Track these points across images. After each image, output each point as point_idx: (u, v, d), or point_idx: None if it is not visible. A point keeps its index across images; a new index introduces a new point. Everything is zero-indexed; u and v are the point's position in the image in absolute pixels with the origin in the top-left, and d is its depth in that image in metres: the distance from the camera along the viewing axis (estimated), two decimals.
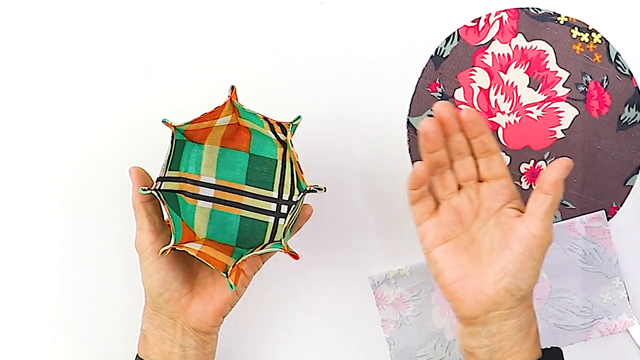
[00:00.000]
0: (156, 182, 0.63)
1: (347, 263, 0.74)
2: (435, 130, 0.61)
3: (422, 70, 0.75)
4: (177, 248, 0.63)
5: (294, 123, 0.63)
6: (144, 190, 0.62)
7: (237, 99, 0.63)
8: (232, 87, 0.63)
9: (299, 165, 0.63)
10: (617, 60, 0.75)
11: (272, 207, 0.68)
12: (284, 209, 0.68)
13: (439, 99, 0.75)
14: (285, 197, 0.68)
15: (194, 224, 0.68)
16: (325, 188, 0.62)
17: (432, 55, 0.75)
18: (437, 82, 0.75)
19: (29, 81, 0.75)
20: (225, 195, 0.68)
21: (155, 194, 0.63)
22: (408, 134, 0.75)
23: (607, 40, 0.75)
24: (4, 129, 0.74)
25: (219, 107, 0.63)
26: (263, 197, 0.68)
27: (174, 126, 0.63)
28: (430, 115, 0.75)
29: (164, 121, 0.63)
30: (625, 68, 0.75)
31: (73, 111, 0.75)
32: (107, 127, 0.74)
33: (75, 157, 0.74)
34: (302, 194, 0.63)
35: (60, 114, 0.75)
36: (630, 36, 0.75)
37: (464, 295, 0.62)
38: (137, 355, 0.66)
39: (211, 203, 0.68)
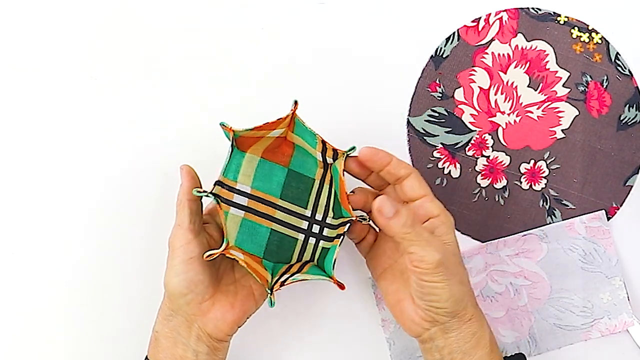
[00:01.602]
0: (214, 185, 0.63)
1: (347, 263, 0.74)
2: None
3: (422, 70, 0.75)
4: (226, 254, 0.62)
5: (348, 152, 0.64)
6: (200, 192, 0.62)
7: (296, 114, 0.64)
8: (295, 102, 0.63)
9: (347, 196, 0.64)
10: (617, 60, 0.75)
11: (304, 224, 0.68)
12: (315, 228, 0.68)
13: (439, 99, 0.75)
14: (319, 217, 0.68)
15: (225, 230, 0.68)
16: (368, 218, 0.65)
17: (432, 55, 0.75)
18: (437, 82, 0.75)
19: (29, 81, 0.75)
20: (259, 206, 0.68)
21: (212, 197, 0.62)
22: (408, 134, 0.75)
23: (607, 40, 0.75)
24: (4, 129, 0.74)
25: (281, 118, 0.63)
26: (296, 213, 0.68)
27: (234, 131, 0.63)
28: (430, 115, 0.75)
29: (221, 124, 0.62)
30: (625, 68, 0.75)
31: (73, 111, 0.74)
32: (107, 127, 0.74)
33: (77, 157, 0.74)
34: (348, 224, 0.65)
35: (60, 114, 0.74)
36: (630, 36, 0.75)
37: (402, 317, 0.65)
38: (146, 357, 0.66)
39: (243, 212, 0.67)
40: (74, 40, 0.75)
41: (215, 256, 0.62)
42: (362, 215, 0.64)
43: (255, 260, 0.67)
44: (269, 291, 0.63)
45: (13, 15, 0.75)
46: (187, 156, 0.69)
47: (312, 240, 0.68)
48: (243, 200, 0.67)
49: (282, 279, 0.64)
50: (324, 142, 0.64)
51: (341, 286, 0.64)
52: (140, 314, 0.69)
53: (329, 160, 0.66)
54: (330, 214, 0.68)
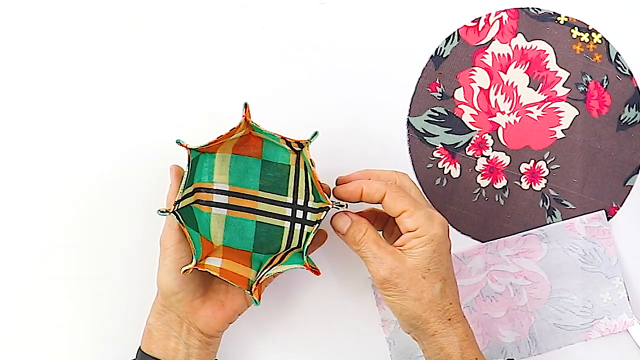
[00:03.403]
0: (174, 204, 0.63)
1: (347, 263, 0.74)
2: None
3: (422, 70, 0.75)
4: (199, 269, 0.63)
5: (310, 140, 0.63)
6: (162, 213, 0.61)
7: (250, 118, 0.63)
8: (246, 105, 0.62)
9: (320, 184, 0.64)
10: (617, 60, 0.75)
11: (287, 212, 0.68)
12: (299, 213, 0.68)
13: (439, 99, 0.75)
14: (300, 202, 0.68)
15: (210, 232, 0.67)
16: (347, 204, 0.64)
17: (432, 55, 0.75)
18: (437, 82, 0.75)
19: (29, 81, 0.74)
20: (240, 201, 0.68)
21: (174, 216, 0.62)
22: (408, 134, 0.75)
23: (607, 40, 0.75)
24: (4, 129, 0.74)
25: (234, 128, 0.63)
26: (277, 202, 0.68)
27: (190, 148, 0.62)
28: (430, 115, 0.75)
29: (178, 142, 0.62)
30: (625, 68, 0.75)
31: (73, 111, 0.74)
32: (107, 127, 0.74)
33: (77, 157, 0.74)
34: (324, 212, 0.63)
35: (60, 114, 0.74)
36: (630, 36, 0.75)
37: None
38: (139, 348, 0.67)
39: (226, 210, 0.68)
40: (74, 40, 0.75)
41: (189, 271, 0.62)
42: (339, 203, 0.64)
43: (244, 257, 0.67)
44: (249, 292, 0.63)
45: (13, 16, 0.75)
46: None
47: (297, 227, 0.68)
48: (223, 199, 0.67)
49: (259, 276, 0.64)
50: (283, 138, 0.63)
51: (316, 272, 0.64)
52: (137, 309, 0.69)
53: (297, 148, 0.66)
54: (311, 197, 0.68)
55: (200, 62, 0.75)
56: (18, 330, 0.73)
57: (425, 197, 0.72)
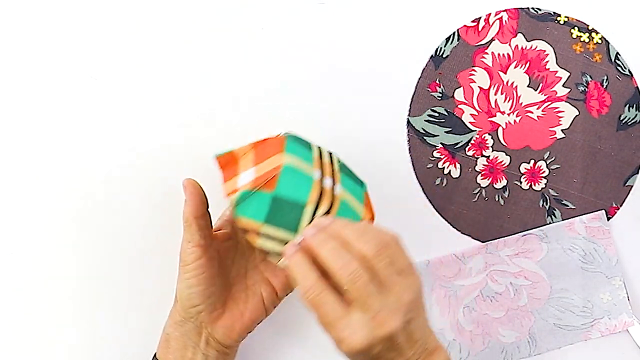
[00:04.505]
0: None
1: None
2: None
3: (422, 70, 0.75)
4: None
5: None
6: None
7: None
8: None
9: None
10: (617, 60, 0.75)
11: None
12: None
13: (439, 99, 0.75)
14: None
15: None
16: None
17: (432, 55, 0.75)
18: (437, 82, 0.75)
19: (29, 81, 0.74)
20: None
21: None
22: (408, 134, 0.75)
23: (607, 40, 0.75)
24: (3, 129, 0.74)
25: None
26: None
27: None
28: (430, 115, 0.75)
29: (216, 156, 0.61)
30: (625, 68, 0.75)
31: (73, 111, 0.74)
32: (107, 127, 0.74)
33: (77, 157, 0.74)
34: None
35: (60, 114, 0.74)
36: (630, 36, 0.75)
37: None
38: (154, 356, 0.66)
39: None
40: (74, 40, 0.75)
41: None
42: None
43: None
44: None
45: (13, 15, 0.75)
46: (188, 156, 0.69)
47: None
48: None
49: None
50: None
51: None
52: (138, 311, 0.69)
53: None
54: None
55: (200, 62, 0.75)
56: (18, 330, 0.73)
57: (428, 200, 0.72)
